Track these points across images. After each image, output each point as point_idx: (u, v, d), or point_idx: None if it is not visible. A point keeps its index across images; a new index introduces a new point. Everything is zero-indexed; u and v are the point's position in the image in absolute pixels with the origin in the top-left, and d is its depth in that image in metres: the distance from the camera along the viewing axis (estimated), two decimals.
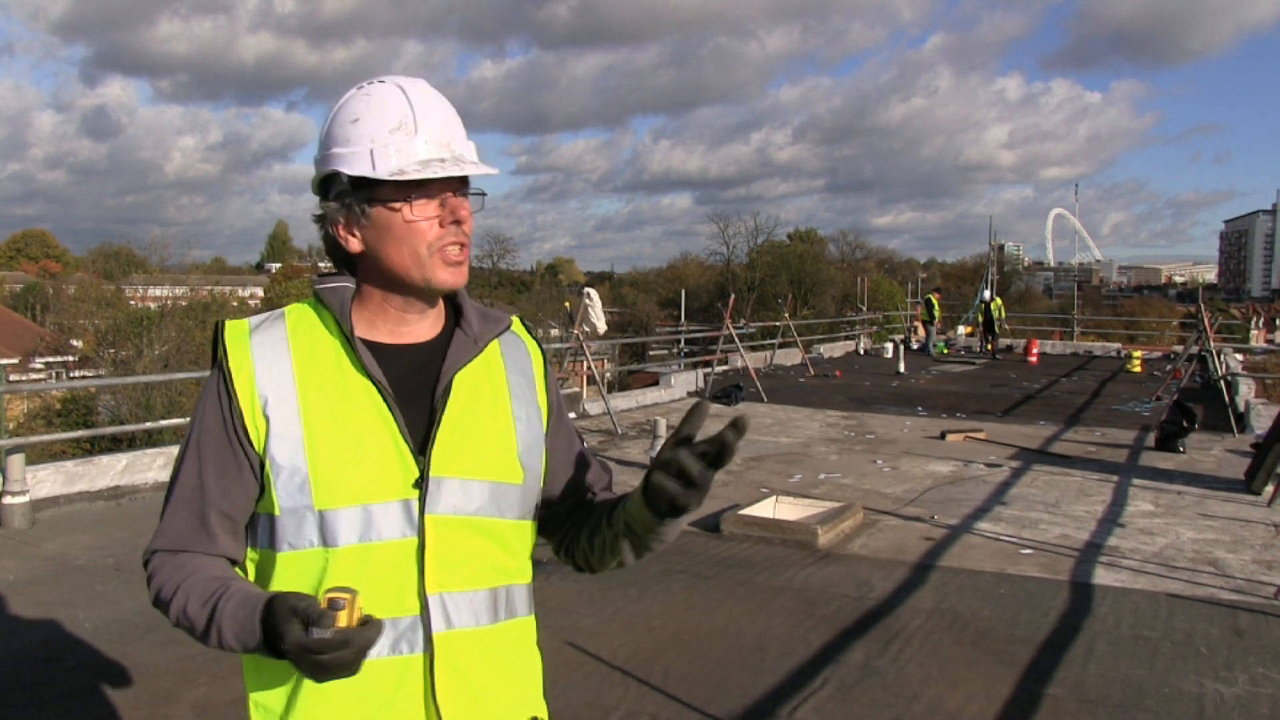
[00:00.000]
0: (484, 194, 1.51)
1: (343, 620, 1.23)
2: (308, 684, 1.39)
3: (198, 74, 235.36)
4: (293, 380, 1.43)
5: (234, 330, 1.48)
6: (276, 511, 1.41)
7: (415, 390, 1.47)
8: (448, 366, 1.48)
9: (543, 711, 1.59)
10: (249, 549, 1.48)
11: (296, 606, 1.26)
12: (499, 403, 1.53)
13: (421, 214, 1.42)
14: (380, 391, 1.43)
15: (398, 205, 1.42)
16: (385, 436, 1.42)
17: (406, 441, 1.42)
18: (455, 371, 1.49)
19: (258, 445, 1.42)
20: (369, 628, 1.26)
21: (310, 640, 1.23)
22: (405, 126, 1.41)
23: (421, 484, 1.42)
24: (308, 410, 1.42)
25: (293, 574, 1.41)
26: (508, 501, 1.50)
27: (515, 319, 1.65)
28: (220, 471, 1.43)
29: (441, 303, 1.57)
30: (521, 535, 1.55)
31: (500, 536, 1.49)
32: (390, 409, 1.43)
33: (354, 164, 1.42)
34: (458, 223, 1.44)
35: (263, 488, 1.43)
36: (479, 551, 1.46)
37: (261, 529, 1.44)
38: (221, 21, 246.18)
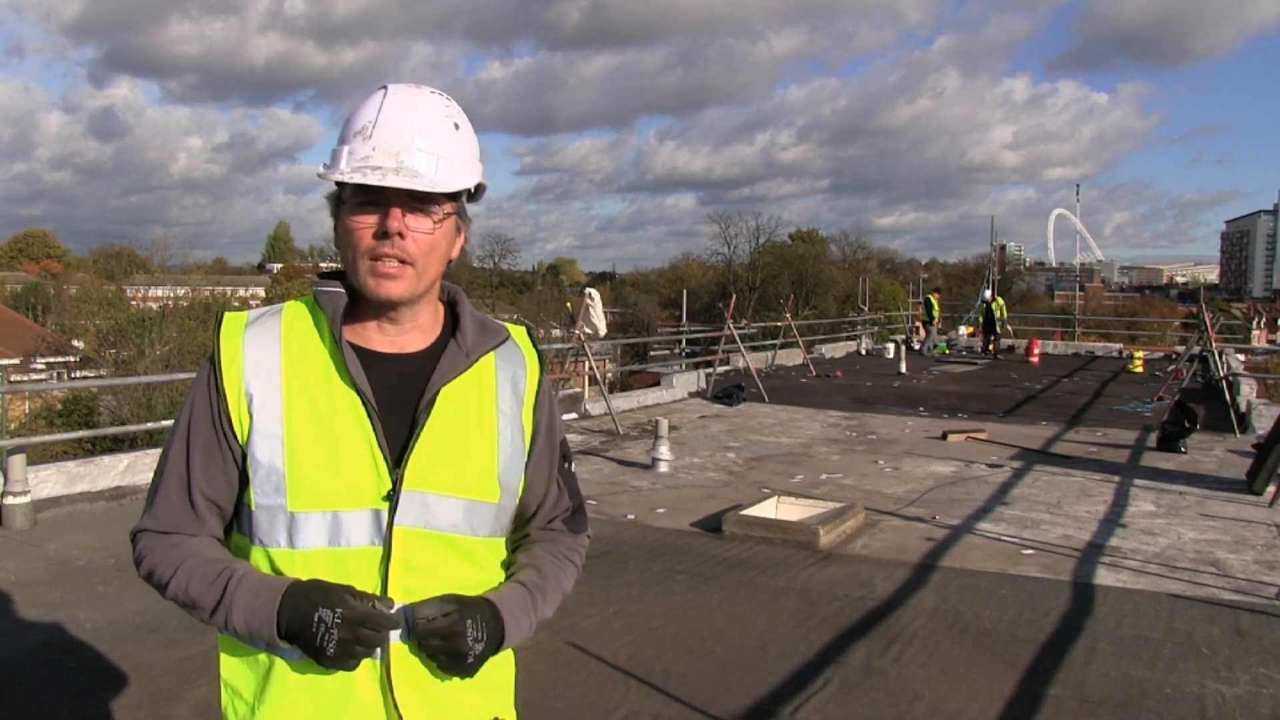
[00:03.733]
0: (450, 214, 1.46)
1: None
2: (275, 677, 1.43)
3: (206, 75, 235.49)
4: (280, 380, 1.44)
5: (230, 323, 1.49)
6: (254, 506, 1.43)
7: (400, 401, 1.46)
8: (435, 379, 1.47)
9: (510, 715, 1.60)
10: (235, 534, 1.51)
11: (350, 588, 1.37)
12: (485, 419, 1.51)
13: (362, 221, 1.42)
14: (363, 400, 1.43)
15: (349, 209, 1.43)
16: (362, 446, 1.42)
17: (383, 452, 1.42)
18: (442, 385, 1.48)
19: (241, 440, 1.44)
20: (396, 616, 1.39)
21: (372, 612, 1.34)
22: (365, 131, 1.42)
23: (393, 496, 1.42)
24: (291, 411, 1.43)
25: (265, 567, 1.44)
26: (481, 519, 1.49)
27: (522, 330, 1.63)
28: (206, 460, 1.45)
29: (441, 311, 1.56)
30: (493, 550, 1.55)
31: (470, 553, 1.50)
32: (370, 418, 1.43)
33: (329, 159, 1.44)
34: (387, 234, 1.40)
35: (244, 481, 1.45)
36: (445, 565, 1.47)
37: (243, 519, 1.47)
38: (231, 23, 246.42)
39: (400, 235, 1.40)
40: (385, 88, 1.46)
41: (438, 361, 1.49)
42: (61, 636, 4.80)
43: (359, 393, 1.43)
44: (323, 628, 1.33)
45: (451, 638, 1.39)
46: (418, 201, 1.42)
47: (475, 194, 1.51)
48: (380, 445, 1.42)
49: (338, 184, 1.44)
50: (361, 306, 1.48)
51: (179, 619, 4.87)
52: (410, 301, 1.46)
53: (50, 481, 7.51)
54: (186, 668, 4.36)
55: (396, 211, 1.40)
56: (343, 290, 1.48)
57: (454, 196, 1.46)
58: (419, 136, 1.41)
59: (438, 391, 1.47)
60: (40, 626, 4.94)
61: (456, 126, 1.46)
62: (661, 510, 7.59)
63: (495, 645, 1.45)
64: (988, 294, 25.19)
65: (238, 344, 1.47)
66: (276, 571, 1.43)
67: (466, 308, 1.56)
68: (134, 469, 8.01)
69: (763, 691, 4.23)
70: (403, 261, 1.42)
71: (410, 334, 1.51)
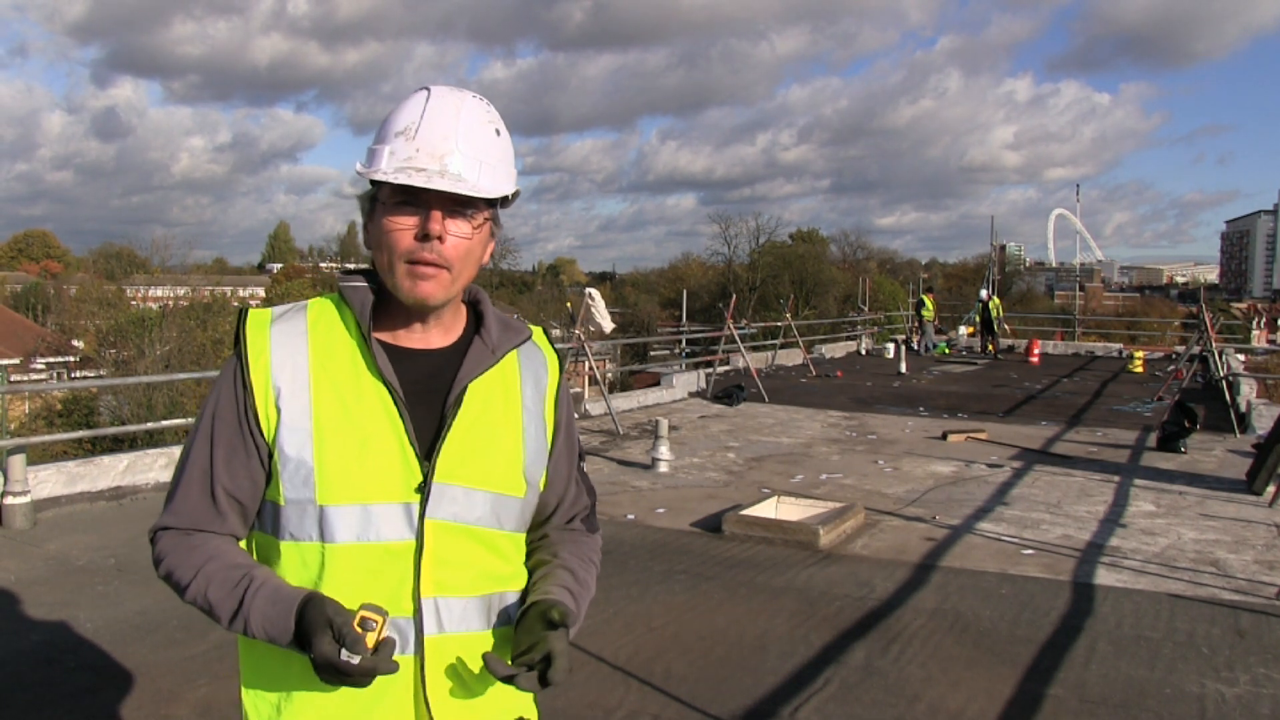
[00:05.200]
0: (488, 219, 1.46)
1: (370, 641, 1.31)
2: (302, 674, 1.41)
3: (209, 75, 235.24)
4: (307, 374, 1.44)
5: (255, 319, 1.49)
6: (281, 501, 1.42)
7: (428, 395, 1.47)
8: (462, 374, 1.48)
9: (531, 713, 1.60)
10: (256, 532, 1.50)
11: (334, 620, 1.31)
12: (510, 414, 1.53)
13: (401, 222, 1.41)
14: (391, 394, 1.43)
15: (387, 209, 1.42)
16: (392, 439, 1.43)
17: (413, 445, 1.43)
18: (469, 380, 1.49)
19: (268, 435, 1.43)
20: (385, 651, 1.32)
21: (340, 662, 1.29)
22: (408, 132, 1.41)
23: (424, 489, 1.42)
24: (319, 405, 1.42)
25: (293, 563, 1.43)
26: (508, 513, 1.50)
27: (540, 331, 1.65)
28: (230, 456, 1.44)
29: (464, 309, 1.57)
30: (517, 545, 1.56)
31: (496, 546, 1.50)
32: (400, 412, 1.43)
33: (365, 158, 1.44)
34: (427, 238, 1.40)
35: (270, 477, 1.44)
36: (475, 559, 1.47)
37: (267, 516, 1.46)
38: (235, 23, 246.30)
39: (440, 239, 1.40)
40: (428, 89, 1.45)
41: (464, 357, 1.50)
42: (61, 636, 4.80)
43: (387, 386, 1.44)
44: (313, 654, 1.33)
45: (545, 682, 1.40)
46: (458, 206, 1.41)
47: (509, 201, 1.52)
48: (410, 438, 1.43)
49: (374, 183, 1.43)
50: (387, 305, 1.48)
51: (179, 619, 4.87)
52: (443, 304, 1.47)
53: (50, 481, 7.51)
54: (187, 668, 4.36)
55: (437, 214, 1.40)
56: (368, 286, 1.49)
57: (491, 203, 1.46)
58: (463, 140, 1.41)
59: (466, 386, 1.48)
60: (40, 626, 4.94)
61: (498, 133, 1.46)
62: (661, 510, 7.59)
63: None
64: (984, 293, 25.32)
65: (264, 339, 1.46)
66: (310, 565, 1.42)
67: (489, 306, 1.57)
68: (134, 469, 8.01)
69: (763, 691, 4.23)
70: (440, 265, 1.42)
71: (434, 331, 1.51)
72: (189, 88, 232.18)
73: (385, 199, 1.42)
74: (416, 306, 1.45)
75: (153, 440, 16.52)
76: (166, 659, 4.47)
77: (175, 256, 51.18)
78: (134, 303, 39.68)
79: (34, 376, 31.20)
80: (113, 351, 31.90)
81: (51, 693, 4.14)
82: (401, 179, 1.37)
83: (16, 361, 31.13)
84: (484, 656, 1.39)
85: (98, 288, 41.61)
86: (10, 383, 24.54)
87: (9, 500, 6.78)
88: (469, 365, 1.49)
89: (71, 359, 33.99)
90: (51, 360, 33.85)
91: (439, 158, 1.39)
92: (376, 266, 1.46)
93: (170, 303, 36.02)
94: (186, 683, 4.22)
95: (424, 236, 1.40)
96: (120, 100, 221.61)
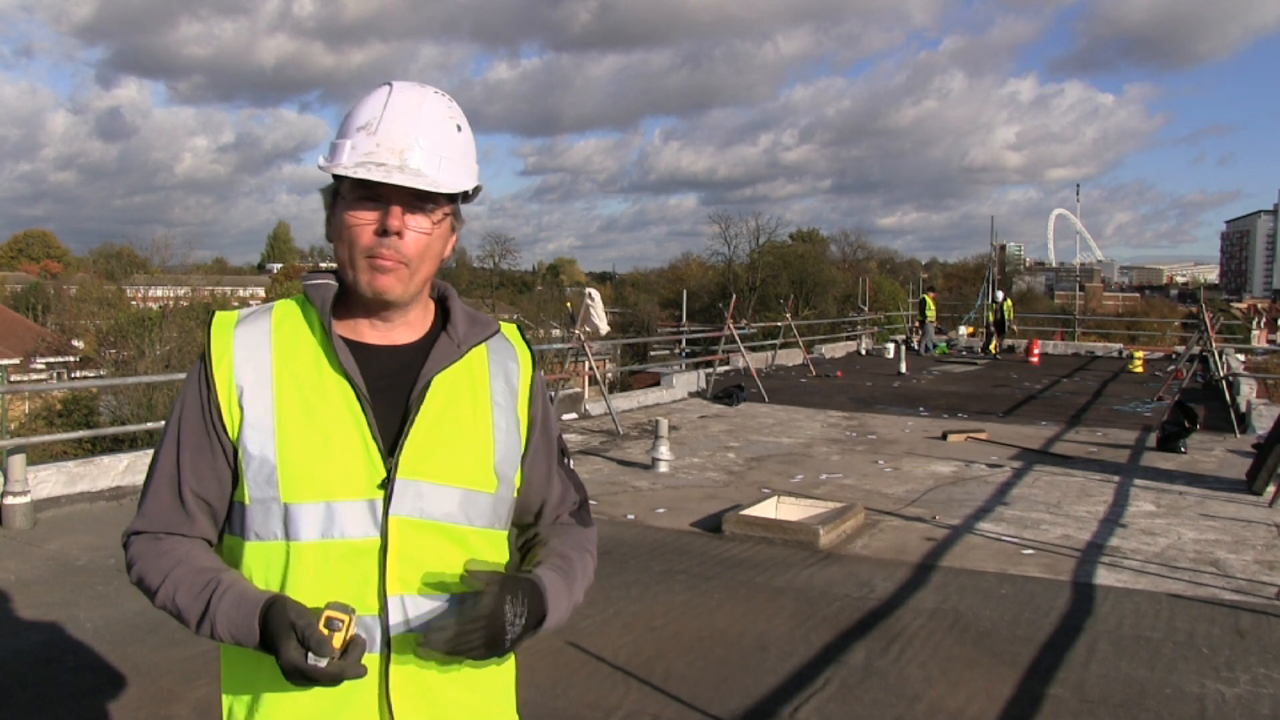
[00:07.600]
0: (448, 214, 1.46)
1: (337, 642, 1.30)
2: (274, 676, 1.40)
3: (214, 76, 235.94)
4: (270, 373, 1.44)
5: (220, 322, 1.49)
6: (247, 501, 1.43)
7: (393, 391, 1.46)
8: (427, 368, 1.48)
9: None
10: (226, 535, 1.50)
11: (296, 623, 1.31)
12: (479, 409, 1.51)
13: (361, 217, 1.41)
14: (354, 390, 1.43)
15: (347, 204, 1.42)
16: (354, 435, 1.42)
17: (376, 442, 1.42)
18: (433, 374, 1.48)
19: (232, 434, 1.43)
20: (354, 652, 1.33)
21: (307, 667, 1.30)
22: (369, 127, 1.41)
23: (387, 485, 1.42)
24: (281, 403, 1.42)
25: (259, 563, 1.43)
26: (477, 509, 1.49)
27: (512, 326, 1.63)
28: (196, 457, 1.45)
29: (431, 307, 1.56)
30: (492, 543, 1.54)
31: (468, 543, 1.49)
32: (362, 408, 1.43)
33: (327, 152, 1.44)
34: (386, 233, 1.40)
35: (236, 477, 1.45)
36: (444, 556, 1.46)
37: (235, 517, 1.46)
38: (241, 24, 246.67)
39: (399, 234, 1.41)
40: (390, 85, 1.45)
41: (429, 352, 1.49)
42: (61, 636, 4.79)
43: (350, 382, 1.43)
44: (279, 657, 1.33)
45: (491, 617, 1.37)
46: (418, 201, 1.42)
47: (470, 196, 1.52)
48: (373, 434, 1.42)
49: (336, 178, 1.43)
50: (352, 302, 1.48)
51: None
52: (403, 299, 1.47)
53: (50, 481, 7.51)
54: (186, 668, 4.36)
55: (397, 210, 1.40)
56: (332, 282, 1.49)
57: (452, 198, 1.46)
58: (423, 136, 1.41)
59: (430, 380, 1.47)
60: (40, 626, 4.94)
61: (459, 128, 1.47)
62: (661, 510, 7.59)
63: (535, 625, 1.43)
64: (1000, 294, 25.58)
65: (228, 340, 1.47)
66: (276, 565, 1.42)
67: (457, 302, 1.56)
68: (134, 469, 8.01)
69: (763, 691, 4.23)
70: (398, 260, 1.42)
71: (399, 328, 1.51)
72: (194, 88, 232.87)
73: (346, 193, 1.42)
74: (376, 300, 1.45)
75: (153, 440, 16.49)
76: (166, 659, 4.47)
77: (175, 256, 51.06)
78: (134, 303, 39.63)
79: (34, 376, 31.20)
80: (113, 351, 31.90)
81: (51, 693, 4.14)
82: (361, 174, 1.38)
83: (16, 361, 31.12)
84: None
85: (98, 288, 41.58)
86: (10, 383, 24.53)
87: (9, 500, 6.78)
88: (433, 360, 1.48)
89: (71, 359, 34.00)
90: (51, 360, 33.85)
91: (399, 153, 1.39)
92: (337, 260, 1.46)
93: (170, 303, 36.01)
94: (186, 683, 4.22)
95: (383, 232, 1.40)
96: (125, 101, 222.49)
